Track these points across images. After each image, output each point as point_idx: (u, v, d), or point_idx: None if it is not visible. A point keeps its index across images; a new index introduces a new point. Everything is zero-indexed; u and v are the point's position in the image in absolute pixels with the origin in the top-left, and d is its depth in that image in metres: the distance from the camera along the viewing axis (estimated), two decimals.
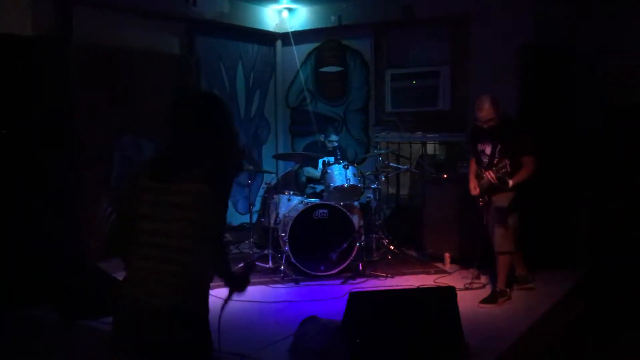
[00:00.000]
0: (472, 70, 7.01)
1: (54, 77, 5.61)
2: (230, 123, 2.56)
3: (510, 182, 4.93)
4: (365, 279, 5.90)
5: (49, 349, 4.42)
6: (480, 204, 5.26)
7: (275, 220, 6.36)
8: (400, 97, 7.61)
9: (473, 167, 5.38)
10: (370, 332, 3.88)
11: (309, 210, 6.01)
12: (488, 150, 5.17)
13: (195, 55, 7.40)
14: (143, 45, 6.75)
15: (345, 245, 5.97)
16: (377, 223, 6.72)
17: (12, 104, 5.35)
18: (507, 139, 5.03)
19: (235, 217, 8.02)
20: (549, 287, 5.50)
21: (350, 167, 6.17)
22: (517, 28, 6.53)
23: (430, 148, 7.53)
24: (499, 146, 5.07)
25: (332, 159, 6.57)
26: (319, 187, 6.86)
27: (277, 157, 7.78)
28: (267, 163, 8.45)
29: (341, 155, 6.59)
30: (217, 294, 2.60)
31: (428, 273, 6.09)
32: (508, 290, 5.21)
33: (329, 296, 5.41)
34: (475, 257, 5.58)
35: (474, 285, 5.52)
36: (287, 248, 5.94)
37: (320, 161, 6.92)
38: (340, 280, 5.86)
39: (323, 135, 7.16)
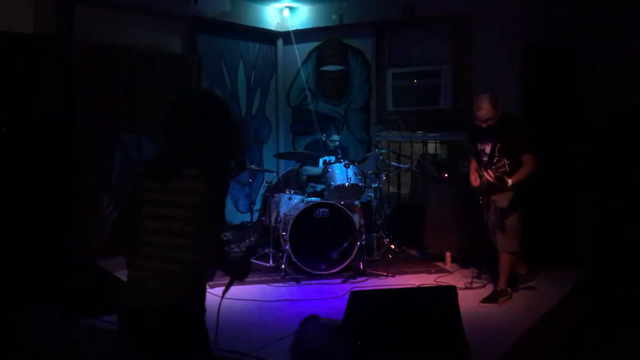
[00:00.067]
0: (474, 70, 7.02)
1: (55, 76, 5.61)
2: (229, 122, 2.57)
3: (509, 182, 4.92)
4: (366, 278, 5.89)
5: (50, 347, 4.42)
6: (481, 201, 5.26)
7: (276, 219, 6.36)
8: (401, 96, 7.60)
9: (474, 165, 5.37)
10: (371, 332, 3.88)
11: (309, 209, 6.01)
12: (488, 149, 5.16)
13: (197, 54, 7.40)
14: (144, 43, 6.75)
15: (346, 244, 5.97)
16: (378, 222, 6.72)
17: (13, 102, 5.35)
18: (506, 138, 5.02)
19: (236, 215, 8.02)
20: (550, 287, 5.49)
21: (351, 166, 6.17)
22: (519, 27, 6.53)
23: (431, 147, 7.54)
24: (499, 145, 5.06)
25: (333, 158, 6.57)
26: (320, 186, 6.86)
27: (278, 156, 7.78)
28: (268, 162, 8.45)
29: (342, 154, 6.59)
30: (216, 292, 2.61)
31: (429, 272, 6.09)
32: (509, 289, 5.20)
33: (330, 295, 5.41)
34: (476, 256, 5.58)
35: (475, 285, 5.51)
36: (287, 247, 5.94)
37: (321, 160, 6.92)
38: (341, 279, 5.86)
39: (324, 135, 7.16)
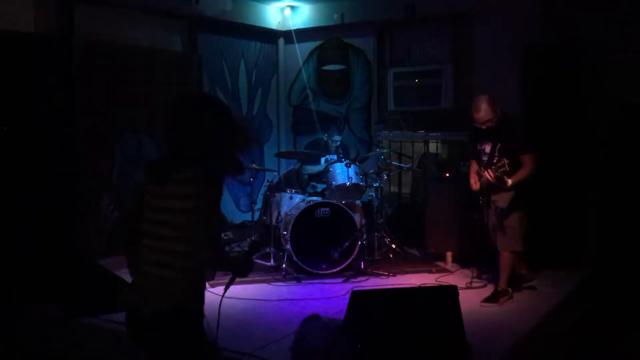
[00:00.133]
0: (475, 69, 7.01)
1: (56, 75, 5.59)
2: (227, 124, 2.57)
3: (509, 182, 4.91)
4: (367, 277, 5.89)
5: (52, 344, 4.43)
6: (481, 201, 5.25)
7: (277, 218, 6.35)
8: (402, 95, 7.59)
9: (474, 166, 5.36)
10: (372, 331, 3.87)
11: (311, 209, 6.00)
12: (488, 149, 5.15)
13: (198, 53, 7.39)
14: (145, 43, 6.74)
15: (347, 243, 5.96)
16: (379, 222, 6.71)
17: (14, 101, 5.34)
18: (506, 138, 5.00)
19: (237, 215, 8.02)
20: (552, 287, 5.48)
21: (352, 166, 6.16)
22: (520, 26, 6.52)
23: (432, 147, 7.52)
24: (499, 145, 5.05)
25: (334, 157, 6.57)
26: (321, 186, 6.85)
27: (279, 155, 7.77)
28: (269, 161, 8.44)
29: (343, 153, 6.58)
30: (217, 291, 2.61)
31: (430, 272, 6.08)
32: (510, 289, 5.19)
33: (331, 294, 5.40)
34: (476, 256, 5.57)
35: (476, 285, 5.51)
36: (288, 246, 5.94)
37: (323, 159, 6.91)
38: (342, 279, 5.85)
39: (326, 135, 7.15)
